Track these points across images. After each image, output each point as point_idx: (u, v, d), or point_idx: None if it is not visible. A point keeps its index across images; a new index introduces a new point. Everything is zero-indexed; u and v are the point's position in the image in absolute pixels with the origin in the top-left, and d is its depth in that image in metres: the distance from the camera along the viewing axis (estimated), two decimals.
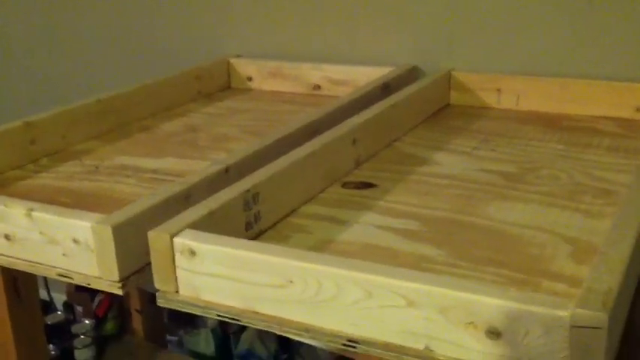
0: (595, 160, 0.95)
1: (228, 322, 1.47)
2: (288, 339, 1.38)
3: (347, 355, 0.72)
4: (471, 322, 0.55)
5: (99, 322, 1.48)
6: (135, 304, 1.43)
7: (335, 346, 0.62)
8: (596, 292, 0.53)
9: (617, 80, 1.13)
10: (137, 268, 0.74)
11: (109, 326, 1.49)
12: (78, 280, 0.75)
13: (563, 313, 0.52)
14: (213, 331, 1.49)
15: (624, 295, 0.58)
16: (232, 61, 1.42)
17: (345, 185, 0.91)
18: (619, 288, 0.54)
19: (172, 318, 1.54)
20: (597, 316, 0.51)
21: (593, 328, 0.51)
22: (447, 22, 1.25)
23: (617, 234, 0.63)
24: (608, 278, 0.55)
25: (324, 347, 0.71)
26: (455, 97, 1.24)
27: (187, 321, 1.52)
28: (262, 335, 1.45)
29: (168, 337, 1.55)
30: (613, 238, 0.62)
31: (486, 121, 1.15)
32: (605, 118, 1.12)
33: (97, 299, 1.48)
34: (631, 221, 0.65)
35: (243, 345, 1.45)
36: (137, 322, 1.45)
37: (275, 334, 1.36)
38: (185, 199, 0.79)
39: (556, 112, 1.15)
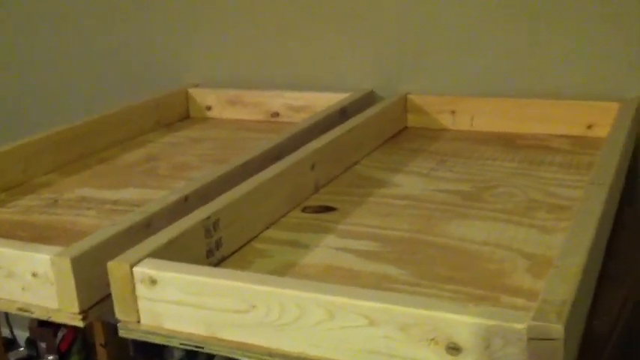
0: (548, 177, 0.97)
1: (195, 353, 1.45)
2: None
3: None
4: (432, 339, 0.56)
5: (63, 357, 1.45)
6: (99, 338, 1.41)
7: None
8: (552, 304, 0.54)
9: (569, 99, 1.16)
10: (98, 300, 0.73)
11: None
12: (38, 314, 0.74)
13: (521, 326, 0.53)
14: None
15: (580, 305, 0.59)
16: (191, 90, 1.43)
17: (305, 209, 0.92)
18: (574, 299, 0.56)
19: (138, 351, 1.52)
20: (553, 327, 0.52)
21: (550, 339, 0.52)
22: (402, 47, 1.28)
23: (570, 247, 0.64)
24: (563, 290, 0.56)
25: None
26: (412, 119, 1.27)
27: (154, 353, 1.50)
28: None
29: None
30: (567, 251, 0.63)
31: (443, 143, 1.17)
32: (558, 136, 1.15)
33: (60, 334, 1.46)
34: (584, 234, 0.66)
35: None
36: (102, 357, 1.43)
37: None
38: (145, 228, 0.79)
39: (510, 132, 1.18)
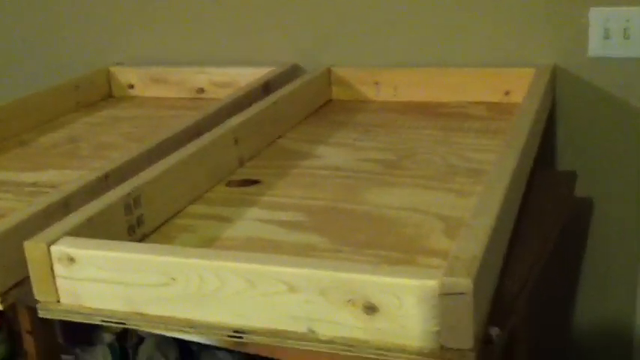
0: (467, 143, 1.00)
1: (125, 336, 1.43)
2: (189, 348, 1.37)
3: (243, 350, 0.73)
4: (349, 300, 0.57)
5: None
6: (25, 324, 1.37)
7: (222, 339, 0.63)
8: (462, 260, 0.56)
9: (488, 67, 1.19)
10: (17, 281, 0.72)
11: (0, 350, 1.43)
12: None
13: (432, 282, 0.54)
14: (110, 346, 1.45)
15: (490, 263, 0.62)
16: (112, 69, 1.40)
17: (229, 184, 0.92)
18: (483, 255, 0.58)
19: (67, 336, 1.49)
20: (463, 282, 0.54)
21: (460, 294, 0.54)
22: (325, 20, 1.28)
23: (481, 207, 0.66)
24: (473, 247, 0.58)
25: (214, 343, 0.72)
26: (336, 92, 1.27)
27: (82, 338, 1.48)
28: (161, 346, 1.43)
29: (64, 357, 1.50)
30: (478, 211, 0.65)
31: (367, 114, 1.18)
32: (477, 103, 1.17)
33: None
34: (495, 195, 0.69)
35: (142, 358, 1.43)
36: (29, 344, 1.39)
37: (175, 344, 1.35)
38: (63, 208, 0.78)
39: (432, 101, 1.20)
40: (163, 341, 1.33)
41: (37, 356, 1.41)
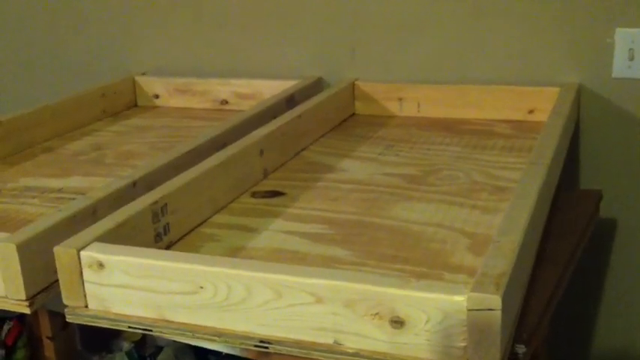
0: (491, 160, 1.00)
1: (143, 345, 1.44)
2: (206, 358, 1.37)
3: (262, 359, 0.73)
4: (376, 314, 0.57)
5: (8, 351, 1.43)
6: (45, 331, 1.38)
7: (248, 348, 0.63)
8: (490, 276, 0.56)
9: (512, 85, 1.19)
10: (44, 286, 0.73)
11: (19, 355, 1.44)
12: None
13: (460, 298, 0.54)
14: (128, 354, 1.46)
15: (517, 279, 0.62)
16: (138, 79, 1.42)
17: (254, 195, 0.93)
18: (511, 272, 0.58)
19: (86, 344, 1.50)
20: (492, 298, 0.54)
21: (488, 310, 0.54)
22: (350, 34, 1.29)
23: (508, 224, 0.66)
24: (501, 264, 0.59)
25: (239, 353, 0.72)
26: (359, 106, 1.28)
27: (102, 346, 1.49)
28: (179, 355, 1.43)
29: None
30: (505, 228, 0.65)
31: (390, 129, 1.18)
32: (501, 120, 1.18)
33: (5, 328, 1.43)
34: (522, 212, 0.69)
35: None
36: (49, 350, 1.40)
37: (192, 354, 1.35)
38: (92, 214, 0.79)
39: (455, 117, 1.21)
40: (181, 351, 1.33)
41: None
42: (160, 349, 1.41)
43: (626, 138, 1.15)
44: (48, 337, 1.40)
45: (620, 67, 1.14)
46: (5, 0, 1.54)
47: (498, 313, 0.54)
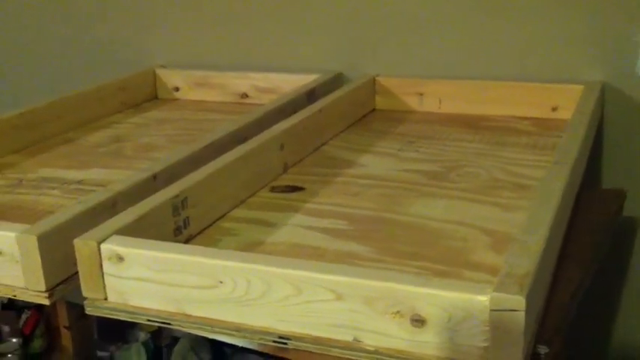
0: (512, 158, 0.99)
1: (159, 335, 1.44)
2: (221, 350, 1.38)
3: (279, 354, 0.73)
4: (397, 312, 0.57)
5: (26, 340, 1.44)
6: (63, 320, 1.39)
7: (266, 344, 0.63)
8: (514, 276, 0.56)
9: (535, 82, 1.17)
10: (64, 278, 0.73)
11: (37, 344, 1.45)
12: (3, 292, 0.73)
13: (483, 298, 0.54)
14: (144, 344, 1.47)
15: (541, 279, 0.61)
16: (158, 71, 1.42)
17: (273, 189, 0.92)
18: (535, 272, 0.57)
19: (102, 333, 1.51)
20: (515, 299, 0.53)
21: (512, 310, 0.53)
22: (370, 29, 1.28)
23: (532, 222, 0.65)
24: (525, 263, 0.58)
25: (256, 347, 0.72)
26: (380, 101, 1.27)
27: (118, 336, 1.49)
28: (195, 347, 1.44)
29: (99, 354, 1.52)
30: (529, 227, 0.65)
31: (410, 124, 1.18)
32: (524, 117, 1.16)
33: (23, 317, 1.44)
34: (546, 210, 0.68)
35: (175, 358, 1.43)
36: (66, 339, 1.41)
37: (208, 345, 1.35)
38: (112, 207, 0.79)
39: (476, 114, 1.19)
40: (197, 342, 1.34)
41: (74, 351, 1.43)
42: (176, 340, 1.41)
43: None
44: (65, 327, 1.41)
45: None
46: None
47: (522, 314, 0.53)
